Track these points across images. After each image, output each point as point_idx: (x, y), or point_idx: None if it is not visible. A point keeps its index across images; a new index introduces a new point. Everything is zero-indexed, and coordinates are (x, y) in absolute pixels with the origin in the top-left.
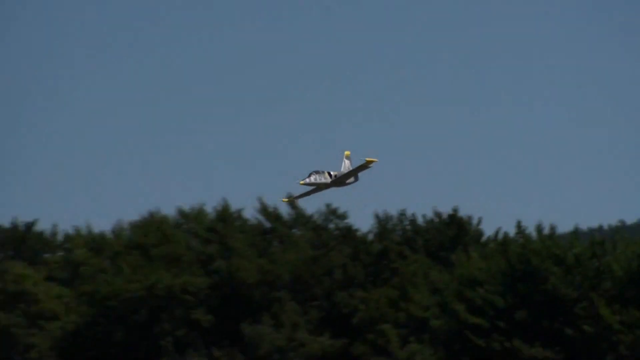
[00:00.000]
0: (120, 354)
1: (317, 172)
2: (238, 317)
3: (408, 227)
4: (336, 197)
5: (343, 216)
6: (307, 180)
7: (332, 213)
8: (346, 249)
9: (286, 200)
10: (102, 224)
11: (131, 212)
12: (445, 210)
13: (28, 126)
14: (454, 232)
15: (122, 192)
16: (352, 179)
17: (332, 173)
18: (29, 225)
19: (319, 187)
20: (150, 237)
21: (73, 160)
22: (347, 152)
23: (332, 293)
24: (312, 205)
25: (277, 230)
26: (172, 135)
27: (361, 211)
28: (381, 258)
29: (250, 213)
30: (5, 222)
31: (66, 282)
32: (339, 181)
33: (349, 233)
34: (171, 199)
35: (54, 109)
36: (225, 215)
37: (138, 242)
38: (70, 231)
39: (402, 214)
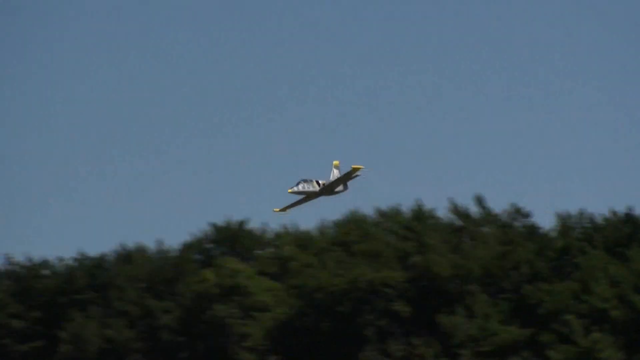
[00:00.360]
0: (327, 343)
1: (305, 181)
2: (434, 308)
3: (587, 225)
4: (521, 197)
5: (527, 215)
6: (295, 188)
7: (518, 212)
8: (531, 245)
9: (277, 210)
10: (308, 223)
11: (334, 212)
12: (620, 209)
13: (236, 135)
14: (629, 229)
15: None
16: (340, 188)
17: (320, 182)
18: (242, 224)
19: (308, 196)
20: (352, 235)
21: (280, 166)
22: (335, 162)
23: (519, 286)
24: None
25: (468, 228)
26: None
27: (544, 210)
28: (563, 254)
29: (442, 212)
30: (220, 221)
31: (276, 277)
32: (328, 189)
33: (533, 230)
34: (369, 199)
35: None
36: (420, 215)
37: (341, 239)
38: (279, 229)
39: (582, 212)
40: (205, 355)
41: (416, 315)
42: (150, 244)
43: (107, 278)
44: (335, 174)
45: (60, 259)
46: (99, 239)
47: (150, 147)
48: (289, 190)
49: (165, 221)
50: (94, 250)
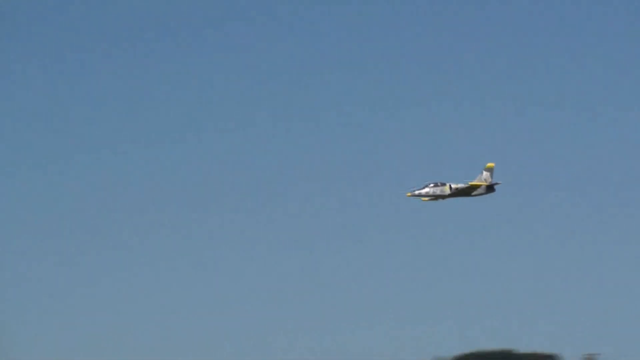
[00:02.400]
0: None
1: (435, 185)
2: None
3: None
4: None
5: None
6: (417, 192)
7: None
8: None
9: (409, 194)
10: None
11: None
12: None
13: None
14: None
15: None
16: (481, 191)
17: (452, 186)
18: None
19: (438, 196)
20: None
21: None
22: (489, 164)
23: None
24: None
25: None
26: None
27: None
28: None
29: None
30: None
31: None
32: (462, 192)
33: None
34: None
35: None
36: None
37: None
38: None
39: None
40: None
41: None
42: None
43: None
44: (484, 176)
45: None
46: None
47: None
48: (408, 194)
49: None
50: None
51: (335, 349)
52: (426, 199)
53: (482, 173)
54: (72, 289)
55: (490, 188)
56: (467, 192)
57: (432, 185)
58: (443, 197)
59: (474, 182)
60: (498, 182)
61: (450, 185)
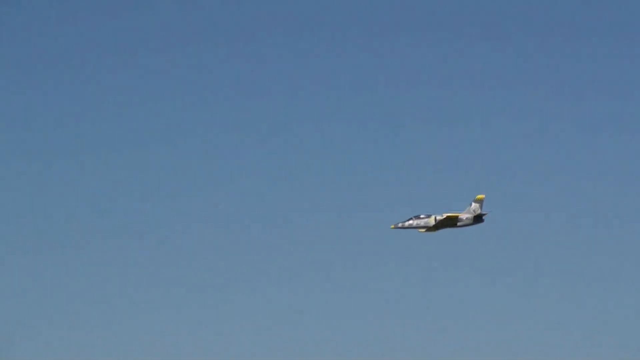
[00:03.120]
0: None
1: (417, 217)
2: None
3: None
4: None
5: None
6: (400, 224)
7: None
8: None
9: (393, 226)
10: None
11: None
12: None
13: None
14: None
15: None
16: (468, 221)
17: (437, 217)
18: None
19: (427, 228)
20: None
21: None
22: (479, 196)
23: None
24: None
25: None
26: None
27: None
28: None
29: None
30: None
31: None
32: (445, 223)
33: None
34: None
35: None
36: None
37: None
38: None
39: None
40: None
41: None
42: None
43: None
44: (472, 207)
45: None
46: None
47: None
48: (392, 226)
49: None
50: None
51: None
52: (422, 230)
53: (470, 204)
54: (72, 289)
55: (478, 218)
56: (450, 223)
57: (414, 217)
58: (428, 228)
59: (451, 214)
60: (485, 212)
61: (435, 217)
